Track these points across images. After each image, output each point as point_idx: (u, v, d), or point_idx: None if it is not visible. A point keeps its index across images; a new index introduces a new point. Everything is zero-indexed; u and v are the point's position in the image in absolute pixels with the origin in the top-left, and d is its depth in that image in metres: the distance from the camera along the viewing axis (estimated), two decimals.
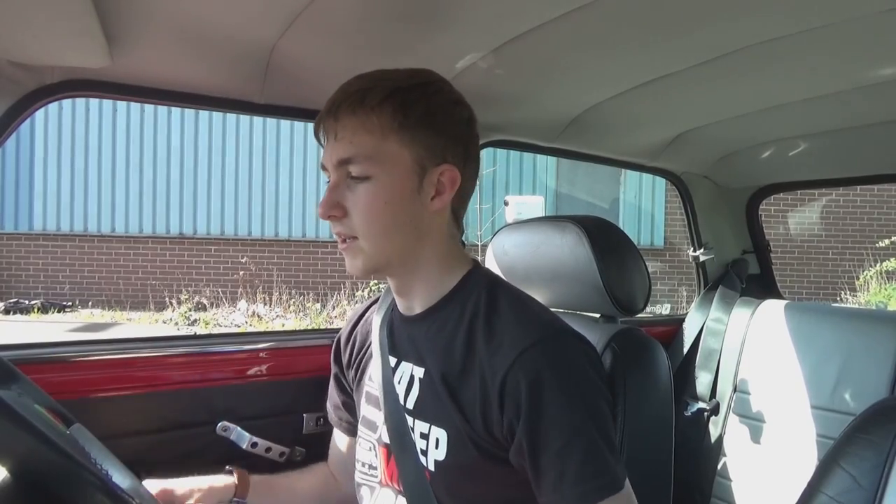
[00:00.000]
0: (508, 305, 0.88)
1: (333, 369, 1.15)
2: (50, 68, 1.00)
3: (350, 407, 1.12)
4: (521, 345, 0.82)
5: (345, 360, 1.12)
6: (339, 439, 1.17)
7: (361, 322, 1.11)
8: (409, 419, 0.91)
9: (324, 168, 0.90)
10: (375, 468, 0.98)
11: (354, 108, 0.85)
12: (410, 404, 0.92)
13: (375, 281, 7.88)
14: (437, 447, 0.87)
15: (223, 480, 1.04)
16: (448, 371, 0.87)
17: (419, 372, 0.92)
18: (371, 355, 1.03)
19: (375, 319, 1.03)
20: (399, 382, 0.94)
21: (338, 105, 0.86)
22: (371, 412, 1.00)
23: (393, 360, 0.97)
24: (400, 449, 0.91)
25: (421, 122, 0.86)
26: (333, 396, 1.16)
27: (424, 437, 0.89)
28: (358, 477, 1.02)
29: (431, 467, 0.87)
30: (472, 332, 0.87)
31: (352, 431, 1.11)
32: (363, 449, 1.01)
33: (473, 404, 0.84)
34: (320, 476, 1.17)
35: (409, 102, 0.86)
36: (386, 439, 0.94)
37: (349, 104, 0.85)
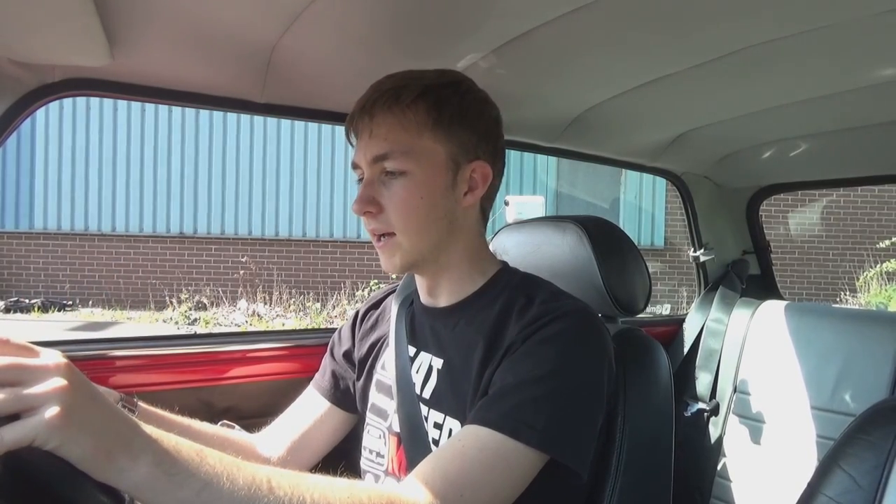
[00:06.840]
0: (550, 295, 0.90)
1: (339, 348, 1.13)
2: (51, 67, 1.00)
3: (338, 376, 1.11)
4: (553, 313, 0.84)
5: (359, 334, 1.11)
6: (309, 403, 1.12)
7: (380, 308, 1.11)
8: (424, 408, 0.92)
9: (355, 167, 0.92)
10: (383, 456, 0.98)
11: (390, 105, 0.86)
12: (427, 394, 0.93)
13: (376, 280, 7.88)
14: (449, 437, 0.87)
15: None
16: (471, 362, 0.88)
17: (438, 363, 0.93)
18: (386, 344, 1.03)
19: (393, 309, 1.04)
20: (416, 372, 0.95)
21: (372, 103, 0.87)
22: (382, 400, 1.01)
23: (412, 350, 0.98)
24: (411, 438, 0.91)
25: (454, 120, 0.88)
26: (326, 366, 1.14)
27: (438, 426, 0.90)
28: (364, 464, 1.03)
29: None
30: (505, 325, 0.88)
31: (333, 398, 1.10)
32: (371, 436, 1.02)
33: (488, 382, 0.84)
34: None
35: (443, 100, 0.88)
36: (396, 428, 0.95)
37: (384, 102, 0.87)
